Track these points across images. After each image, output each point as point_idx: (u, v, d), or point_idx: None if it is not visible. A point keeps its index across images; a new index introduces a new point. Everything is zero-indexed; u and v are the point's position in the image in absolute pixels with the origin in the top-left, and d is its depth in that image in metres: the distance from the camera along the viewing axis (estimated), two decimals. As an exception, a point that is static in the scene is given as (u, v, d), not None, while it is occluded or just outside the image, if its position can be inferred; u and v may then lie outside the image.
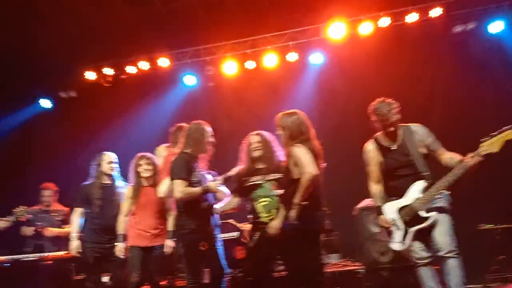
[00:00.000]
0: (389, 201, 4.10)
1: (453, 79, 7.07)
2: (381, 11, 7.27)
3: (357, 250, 5.83)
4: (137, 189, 4.88)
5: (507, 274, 5.72)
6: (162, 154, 5.70)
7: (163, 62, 8.04)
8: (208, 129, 4.53)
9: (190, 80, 8.31)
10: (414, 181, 3.95)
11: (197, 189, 4.30)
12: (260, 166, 4.32)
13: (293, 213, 3.75)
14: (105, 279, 5.34)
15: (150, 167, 4.90)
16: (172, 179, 4.37)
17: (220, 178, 4.50)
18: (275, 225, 4.00)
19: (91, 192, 5.13)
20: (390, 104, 3.99)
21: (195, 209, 4.33)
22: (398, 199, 4.03)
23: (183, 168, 4.32)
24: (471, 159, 3.71)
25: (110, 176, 5.22)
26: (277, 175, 4.22)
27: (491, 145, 3.69)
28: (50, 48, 7.48)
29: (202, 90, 8.38)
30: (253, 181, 4.30)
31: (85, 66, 8.31)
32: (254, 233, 4.29)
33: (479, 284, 5.65)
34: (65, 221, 6.09)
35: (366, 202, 5.61)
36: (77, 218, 5.15)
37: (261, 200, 4.24)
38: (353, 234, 5.79)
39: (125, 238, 4.81)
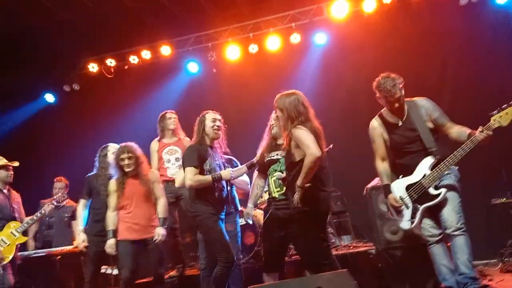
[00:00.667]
0: (398, 179, 4.02)
1: (462, 53, 6.88)
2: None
3: (368, 230, 5.77)
4: (121, 182, 4.75)
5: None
6: (155, 150, 5.75)
7: (165, 50, 7.96)
8: (211, 116, 4.55)
9: (193, 67, 8.22)
10: (422, 157, 3.87)
11: (207, 177, 4.33)
12: (280, 142, 4.32)
13: (297, 196, 3.68)
14: (115, 271, 5.34)
15: (131, 161, 4.72)
16: (183, 168, 4.40)
17: (243, 166, 4.58)
18: None
19: (96, 184, 5.09)
20: (395, 79, 3.86)
21: (209, 197, 4.36)
22: (406, 176, 3.95)
23: (194, 157, 4.36)
24: (480, 133, 3.61)
25: None
26: None
27: (501, 118, 3.59)
28: (52, 41, 7.46)
29: (206, 77, 8.29)
30: (271, 157, 4.35)
31: (87, 58, 8.27)
32: (267, 208, 4.35)
33: (494, 259, 5.57)
34: (74, 217, 6.09)
35: (375, 182, 5.53)
36: (82, 210, 5.11)
37: (275, 174, 4.26)
38: (364, 214, 5.72)
39: (115, 233, 4.68)
